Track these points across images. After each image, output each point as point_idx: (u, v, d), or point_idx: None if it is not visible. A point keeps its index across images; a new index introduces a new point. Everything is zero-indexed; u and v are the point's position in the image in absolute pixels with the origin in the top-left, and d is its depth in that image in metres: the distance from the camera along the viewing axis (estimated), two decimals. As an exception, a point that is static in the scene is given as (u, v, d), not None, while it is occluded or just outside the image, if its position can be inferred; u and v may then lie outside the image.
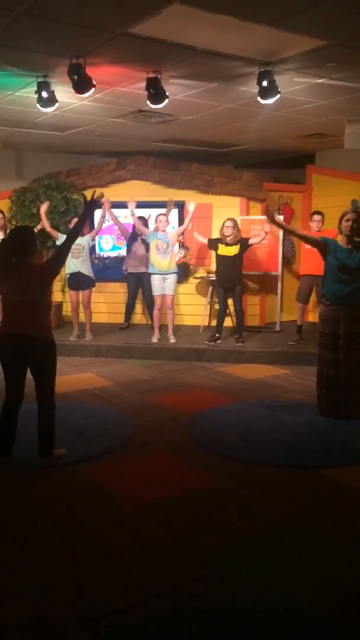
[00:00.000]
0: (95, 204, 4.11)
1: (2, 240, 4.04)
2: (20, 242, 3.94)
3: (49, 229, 7.65)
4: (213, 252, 7.71)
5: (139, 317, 8.88)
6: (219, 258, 7.45)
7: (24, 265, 3.91)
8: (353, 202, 8.10)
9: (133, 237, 8.20)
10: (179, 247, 8.25)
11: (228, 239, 7.34)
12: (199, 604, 2.54)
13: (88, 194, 9.41)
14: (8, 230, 8.04)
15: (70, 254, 7.49)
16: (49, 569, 2.81)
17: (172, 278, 7.55)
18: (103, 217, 7.79)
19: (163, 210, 7.88)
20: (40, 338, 3.90)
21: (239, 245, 7.35)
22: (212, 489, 3.71)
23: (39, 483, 3.82)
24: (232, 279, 7.39)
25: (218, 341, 7.47)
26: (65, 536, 3.13)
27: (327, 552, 2.96)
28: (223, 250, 7.39)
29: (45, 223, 7.62)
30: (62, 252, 4.10)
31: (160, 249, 7.48)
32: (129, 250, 8.24)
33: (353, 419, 4.93)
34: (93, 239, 7.95)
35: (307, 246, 7.36)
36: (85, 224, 4.20)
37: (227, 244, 7.37)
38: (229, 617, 2.45)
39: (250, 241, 7.41)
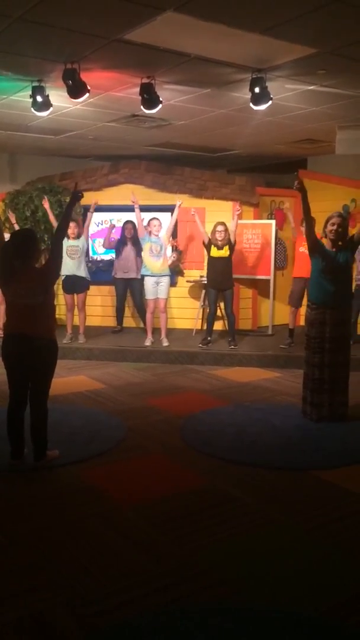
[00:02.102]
0: (77, 194, 4.22)
1: (5, 243, 4.05)
2: (23, 246, 3.94)
3: (55, 223, 7.71)
4: (205, 255, 7.79)
5: (132, 320, 8.90)
6: (211, 260, 7.53)
7: (27, 268, 3.92)
8: (344, 207, 8.19)
9: (123, 241, 8.23)
10: (172, 251, 8.30)
11: (220, 242, 7.43)
12: (193, 601, 2.58)
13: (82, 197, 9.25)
14: (3, 233, 8.13)
15: (67, 254, 7.53)
16: (44, 568, 2.84)
17: (165, 281, 7.61)
18: (91, 212, 7.85)
19: (157, 215, 7.92)
20: (42, 337, 3.92)
21: (228, 246, 7.46)
22: (204, 490, 3.74)
23: (32, 484, 3.84)
24: (224, 281, 7.47)
25: (209, 344, 7.52)
26: (60, 536, 3.16)
27: (319, 552, 3.01)
28: (215, 252, 7.47)
29: (51, 218, 7.88)
30: (55, 252, 4.08)
31: (154, 252, 7.54)
32: (118, 255, 8.25)
33: (337, 421, 4.99)
34: (87, 239, 7.97)
35: (301, 249, 7.45)
36: (70, 214, 4.30)
37: (218, 247, 7.46)
38: (222, 615, 2.49)
39: (230, 224, 7.48)
